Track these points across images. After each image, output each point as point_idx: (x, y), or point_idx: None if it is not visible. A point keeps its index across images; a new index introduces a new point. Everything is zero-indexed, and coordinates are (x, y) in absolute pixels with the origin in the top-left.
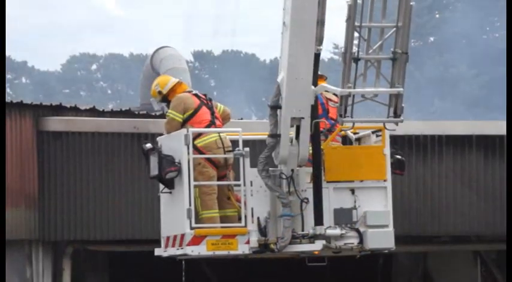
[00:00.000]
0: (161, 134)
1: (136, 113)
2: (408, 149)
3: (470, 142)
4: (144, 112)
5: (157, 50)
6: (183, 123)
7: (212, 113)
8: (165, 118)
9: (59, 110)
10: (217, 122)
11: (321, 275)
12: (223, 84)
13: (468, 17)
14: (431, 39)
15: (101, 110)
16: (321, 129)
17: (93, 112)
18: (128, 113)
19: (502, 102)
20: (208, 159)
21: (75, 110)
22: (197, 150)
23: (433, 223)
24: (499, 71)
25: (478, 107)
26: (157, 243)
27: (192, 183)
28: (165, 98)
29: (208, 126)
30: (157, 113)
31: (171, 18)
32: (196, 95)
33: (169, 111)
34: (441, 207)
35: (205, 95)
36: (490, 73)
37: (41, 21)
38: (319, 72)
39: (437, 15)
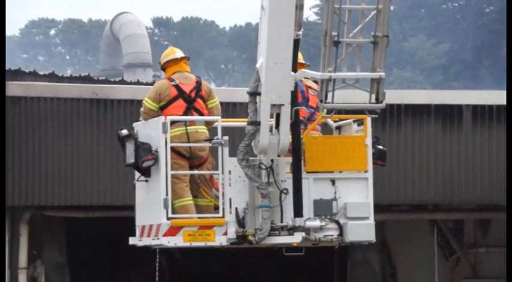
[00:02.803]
0: (119, 100)
1: (96, 78)
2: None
3: (428, 111)
4: (104, 78)
5: (117, 15)
6: (160, 110)
7: (189, 107)
8: (124, 84)
9: (17, 74)
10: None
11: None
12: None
13: None
14: (391, 8)
15: (60, 75)
16: (301, 117)
17: (52, 77)
18: (87, 79)
19: (460, 71)
20: (175, 151)
21: (34, 75)
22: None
23: (391, 192)
24: (458, 40)
25: (436, 76)
26: (115, 209)
27: (170, 172)
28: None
29: (176, 120)
30: (117, 79)
31: None
32: (176, 86)
33: (146, 98)
34: (399, 176)
35: (198, 82)
36: (449, 42)
37: None
38: (303, 61)
39: None
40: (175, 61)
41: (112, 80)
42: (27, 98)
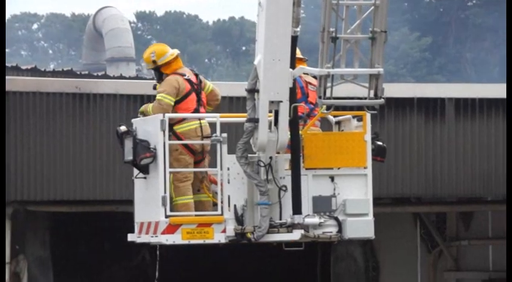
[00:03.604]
0: (102, 95)
1: (78, 73)
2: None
3: (411, 104)
4: (86, 72)
5: (99, 10)
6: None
7: (198, 100)
8: (106, 78)
9: None
10: (201, 109)
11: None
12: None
13: None
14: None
15: (43, 69)
16: (300, 113)
17: (34, 72)
18: (69, 73)
19: (443, 65)
20: (186, 146)
21: (16, 70)
22: (176, 136)
23: (374, 185)
24: (441, 34)
25: (420, 70)
26: (98, 203)
27: (168, 170)
28: (158, 69)
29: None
30: (100, 74)
31: None
32: (188, 80)
33: (162, 94)
34: (382, 169)
35: (196, 74)
36: (432, 36)
37: None
38: (301, 56)
39: None
40: (175, 58)
41: (95, 74)
42: (10, 92)
